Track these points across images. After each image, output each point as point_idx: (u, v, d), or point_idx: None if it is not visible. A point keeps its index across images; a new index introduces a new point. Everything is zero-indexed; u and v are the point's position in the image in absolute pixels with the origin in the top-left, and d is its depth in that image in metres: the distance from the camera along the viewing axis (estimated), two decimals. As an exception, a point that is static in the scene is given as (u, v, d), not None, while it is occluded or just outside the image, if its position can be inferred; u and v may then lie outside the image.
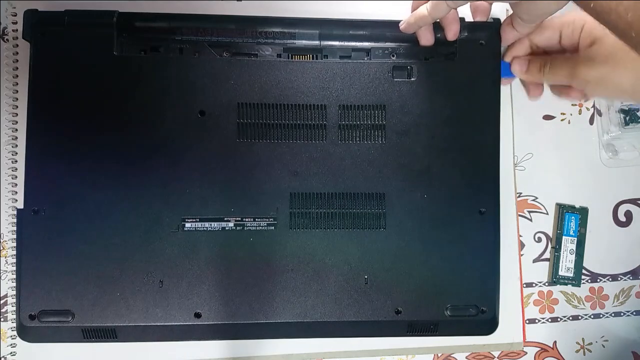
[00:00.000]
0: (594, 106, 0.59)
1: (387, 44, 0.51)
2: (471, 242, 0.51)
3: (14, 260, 0.50)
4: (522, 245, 0.58)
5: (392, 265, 0.51)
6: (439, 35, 0.51)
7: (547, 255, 0.59)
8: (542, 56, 0.52)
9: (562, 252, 0.58)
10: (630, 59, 0.46)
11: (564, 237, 0.58)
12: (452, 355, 0.58)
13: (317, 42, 0.51)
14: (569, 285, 0.59)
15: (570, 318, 0.60)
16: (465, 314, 0.51)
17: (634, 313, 0.60)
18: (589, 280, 0.59)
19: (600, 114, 0.59)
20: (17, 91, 0.53)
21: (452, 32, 0.50)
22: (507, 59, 0.53)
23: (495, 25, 0.51)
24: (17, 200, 0.52)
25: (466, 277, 0.51)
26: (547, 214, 0.59)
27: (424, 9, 0.47)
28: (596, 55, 0.47)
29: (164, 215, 0.49)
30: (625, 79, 0.47)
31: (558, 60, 0.50)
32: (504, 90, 0.55)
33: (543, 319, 0.59)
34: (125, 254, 0.49)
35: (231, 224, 0.50)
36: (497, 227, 0.52)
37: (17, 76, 0.53)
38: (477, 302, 0.51)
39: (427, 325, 0.52)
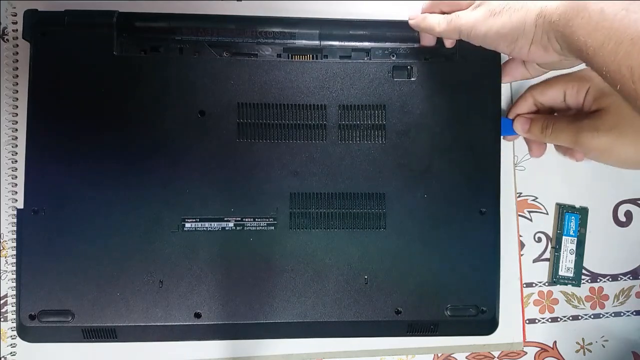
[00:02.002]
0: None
1: (387, 44, 0.51)
2: (471, 242, 0.51)
3: (14, 260, 0.50)
4: (522, 245, 0.58)
5: (392, 265, 0.51)
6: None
7: (547, 255, 0.59)
8: (546, 117, 0.52)
9: (562, 252, 0.58)
10: (633, 131, 0.46)
11: (564, 237, 0.58)
12: (452, 355, 0.58)
13: (317, 42, 0.51)
14: (569, 285, 0.59)
15: (570, 318, 0.60)
16: (465, 314, 0.51)
17: (634, 313, 0.60)
18: (589, 280, 0.59)
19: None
20: (17, 91, 0.52)
21: (449, 42, 0.50)
22: (511, 116, 0.54)
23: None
24: (17, 200, 0.52)
25: (466, 277, 0.51)
26: (547, 214, 0.59)
27: (436, 24, 0.47)
28: (600, 125, 0.47)
29: (164, 215, 0.49)
30: (628, 151, 0.46)
31: (561, 123, 0.50)
32: (504, 89, 0.55)
33: (543, 319, 0.59)
34: (125, 254, 0.49)
35: (231, 224, 0.50)
36: (498, 227, 0.52)
37: (17, 76, 0.53)
38: (477, 302, 0.51)
39: (427, 325, 0.52)
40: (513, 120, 0.53)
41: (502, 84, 0.52)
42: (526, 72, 0.50)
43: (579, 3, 0.36)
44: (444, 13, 0.48)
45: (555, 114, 0.54)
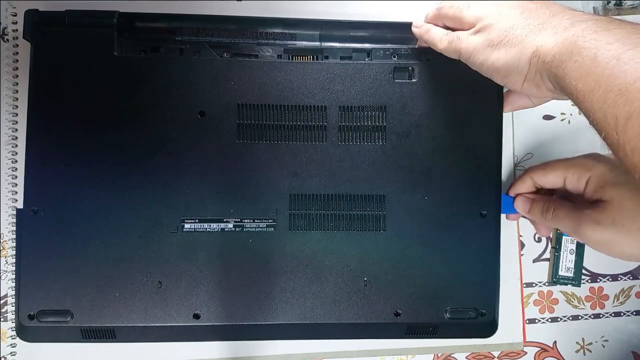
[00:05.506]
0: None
1: (388, 45, 0.51)
2: (471, 244, 0.51)
3: (14, 260, 0.50)
4: (522, 245, 0.58)
5: (391, 267, 0.51)
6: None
7: (547, 255, 0.59)
8: (547, 199, 0.51)
9: (562, 252, 0.58)
10: (636, 228, 0.44)
11: (564, 237, 0.58)
12: (452, 356, 0.58)
13: (317, 43, 0.51)
14: (569, 285, 0.59)
15: (570, 318, 0.60)
16: (465, 317, 0.51)
17: (634, 313, 0.60)
18: (589, 280, 0.59)
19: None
20: (17, 91, 0.52)
21: None
22: (511, 194, 0.53)
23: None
24: (17, 200, 0.52)
25: (466, 280, 0.51)
26: (548, 214, 0.59)
27: (438, 40, 0.47)
28: (602, 219, 0.46)
29: (163, 216, 0.49)
30: (630, 247, 0.45)
31: (562, 209, 0.49)
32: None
33: (543, 319, 0.59)
34: (124, 254, 0.49)
35: (230, 225, 0.50)
36: (498, 230, 0.52)
37: (17, 76, 0.52)
38: (477, 305, 0.51)
39: (426, 327, 0.52)
40: (514, 198, 0.53)
41: (503, 113, 0.52)
42: (528, 101, 0.50)
43: (574, 46, 0.36)
44: (447, 26, 0.48)
45: (555, 196, 0.54)
